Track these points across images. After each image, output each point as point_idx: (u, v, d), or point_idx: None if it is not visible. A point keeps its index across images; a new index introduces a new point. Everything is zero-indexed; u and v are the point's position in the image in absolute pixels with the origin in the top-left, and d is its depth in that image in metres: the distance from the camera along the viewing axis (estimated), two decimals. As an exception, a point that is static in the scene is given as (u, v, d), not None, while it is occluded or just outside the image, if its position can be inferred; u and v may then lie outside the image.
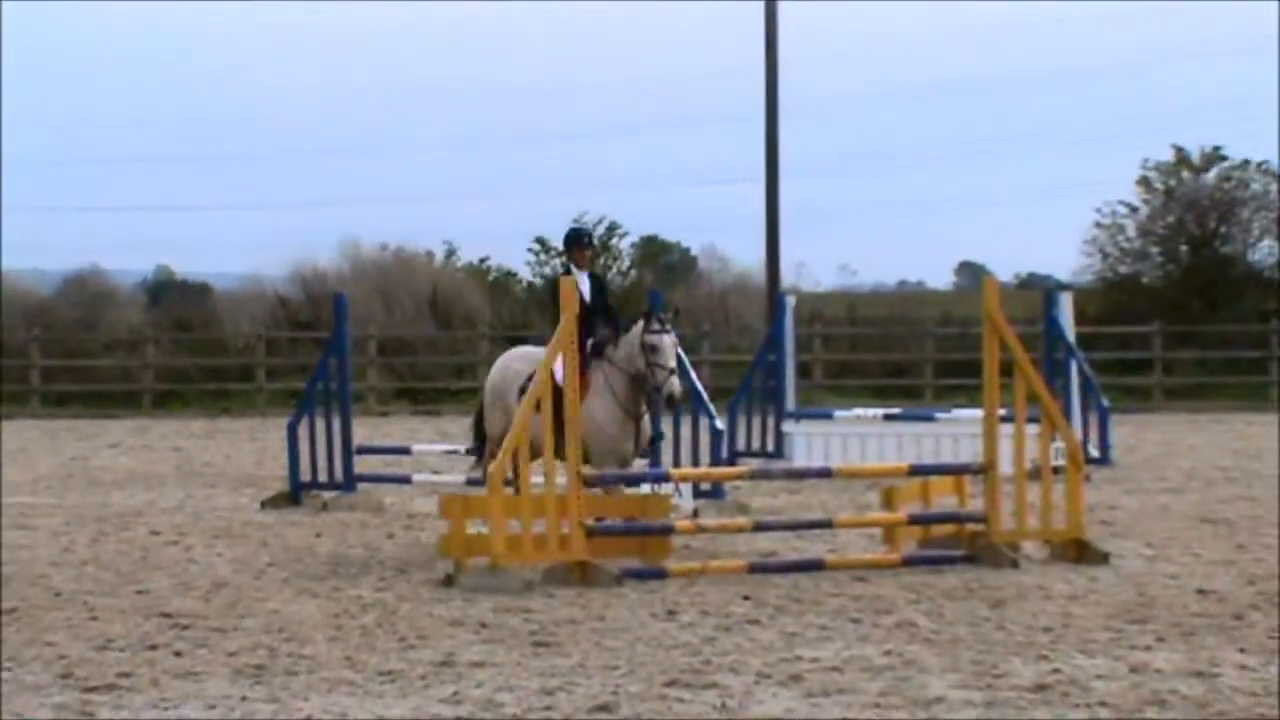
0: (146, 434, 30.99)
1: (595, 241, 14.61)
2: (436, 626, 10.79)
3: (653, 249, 44.95)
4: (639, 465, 14.59)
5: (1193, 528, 15.57)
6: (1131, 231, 41.37)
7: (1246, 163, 40.99)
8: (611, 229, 43.45)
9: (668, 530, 13.16)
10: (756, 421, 21.63)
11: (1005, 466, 13.29)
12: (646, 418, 13.96)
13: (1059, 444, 13.78)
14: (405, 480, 18.61)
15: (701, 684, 9.01)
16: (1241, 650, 9.78)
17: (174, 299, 46.70)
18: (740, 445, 21.02)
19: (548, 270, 43.14)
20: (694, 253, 45.33)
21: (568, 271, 14.31)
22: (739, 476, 16.03)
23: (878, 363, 38.90)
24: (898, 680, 9.03)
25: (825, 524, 14.46)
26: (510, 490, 12.58)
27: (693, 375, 17.07)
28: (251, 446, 27.42)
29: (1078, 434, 20.03)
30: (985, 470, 13.23)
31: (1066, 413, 20.17)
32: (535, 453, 13.03)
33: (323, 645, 10.18)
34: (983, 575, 12.57)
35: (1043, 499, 13.27)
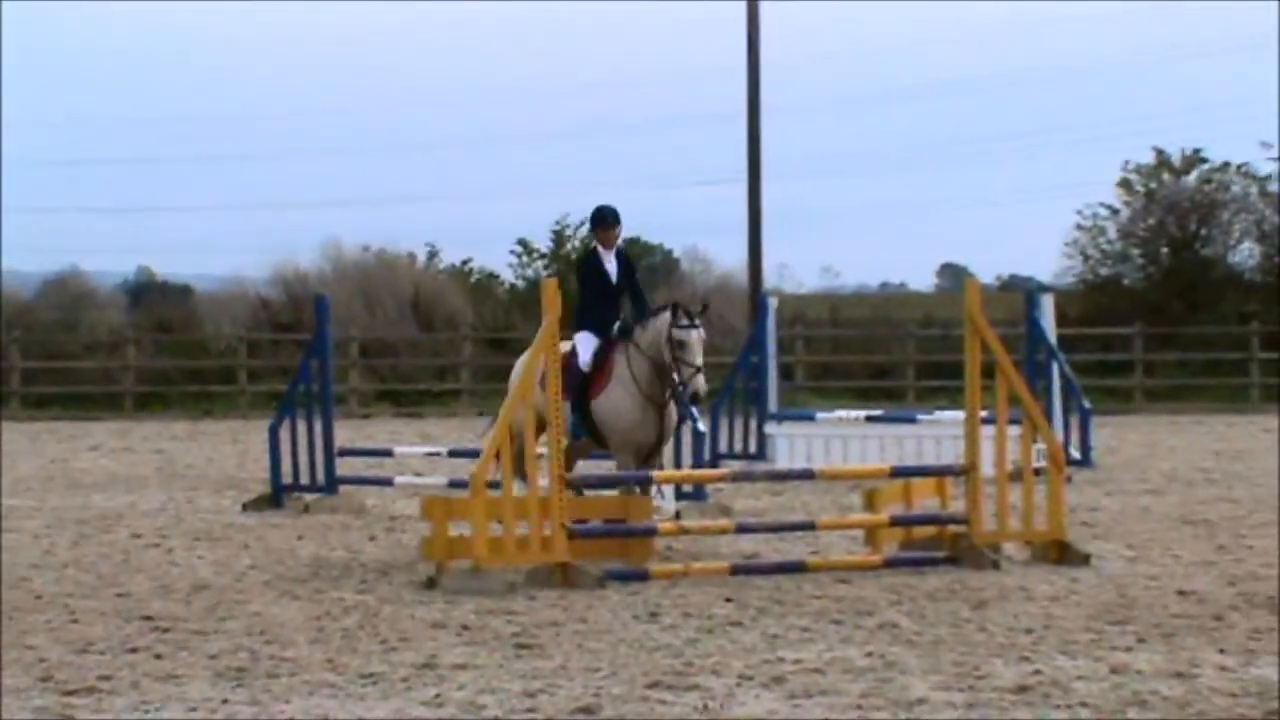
0: (128, 436, 30.94)
1: (618, 219, 14.17)
2: (418, 629, 10.78)
3: (635, 251, 44.86)
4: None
5: (1173, 529, 15.61)
6: (1112, 234, 41.48)
7: (1227, 165, 41.13)
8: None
9: (650, 532, 13.16)
10: (739, 423, 21.65)
11: (987, 468, 13.31)
12: (673, 407, 13.78)
13: (1040, 445, 13.80)
14: (387, 482, 18.59)
15: (684, 686, 9.01)
16: (1221, 651, 9.80)
17: (155, 300, 46.62)
18: (722, 447, 21.04)
19: (530, 272, 43.15)
20: (676, 254, 45.37)
21: (594, 251, 14.07)
22: (721, 478, 16.04)
23: (860, 364, 38.95)
24: (880, 682, 9.04)
25: (807, 526, 14.49)
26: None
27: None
28: (233, 449, 27.39)
29: (1059, 436, 20.07)
30: (967, 472, 13.25)
31: (1048, 414, 20.20)
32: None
33: (304, 648, 10.17)
34: (964, 577, 12.59)
35: (1024, 500, 13.30)
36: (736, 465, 19.94)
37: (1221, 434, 28.51)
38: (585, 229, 43.21)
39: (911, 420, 21.66)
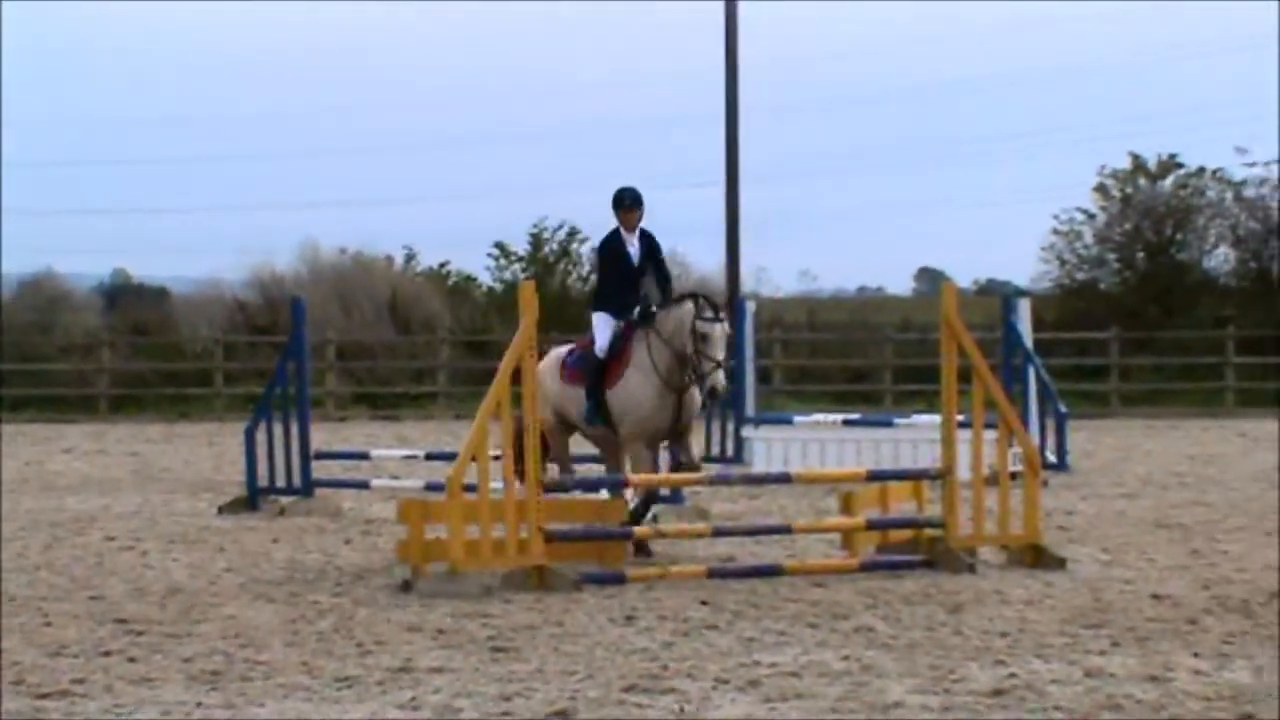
0: (102, 439, 30.86)
1: (639, 201, 13.83)
2: (394, 632, 10.77)
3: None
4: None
5: (1148, 533, 15.64)
6: (1089, 238, 41.59)
7: (1202, 170, 41.25)
8: (572, 234, 43.46)
9: (626, 535, 13.16)
10: (716, 426, 21.66)
11: (963, 472, 13.32)
12: (695, 390, 13.52)
13: (1016, 449, 13.82)
14: (363, 485, 18.58)
15: (660, 689, 9.01)
16: (1195, 655, 9.83)
17: (130, 303, 46.51)
18: (699, 450, 21.02)
19: (508, 275, 43.12)
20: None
21: (615, 233, 13.84)
22: (698, 482, 16.01)
23: (837, 368, 39.00)
24: (855, 685, 9.05)
25: (784, 529, 14.49)
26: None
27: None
28: (209, 451, 27.33)
29: (1035, 440, 20.10)
30: (943, 476, 13.26)
31: (1024, 418, 20.25)
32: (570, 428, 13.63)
33: (279, 651, 10.14)
34: (940, 580, 12.60)
35: (1000, 504, 13.32)
36: (714, 468, 19.93)
37: (1196, 438, 28.59)
38: (568, 227, 43.36)
39: (888, 424, 21.68)
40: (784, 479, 14.91)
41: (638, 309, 13.60)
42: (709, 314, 13.33)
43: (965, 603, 11.67)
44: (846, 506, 13.68)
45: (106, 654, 10.09)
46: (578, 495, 14.15)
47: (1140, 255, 41.15)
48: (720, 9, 36.60)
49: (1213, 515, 16.99)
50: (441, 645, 10.33)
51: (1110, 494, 19.32)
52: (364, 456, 20.40)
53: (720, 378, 13.29)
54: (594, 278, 14.33)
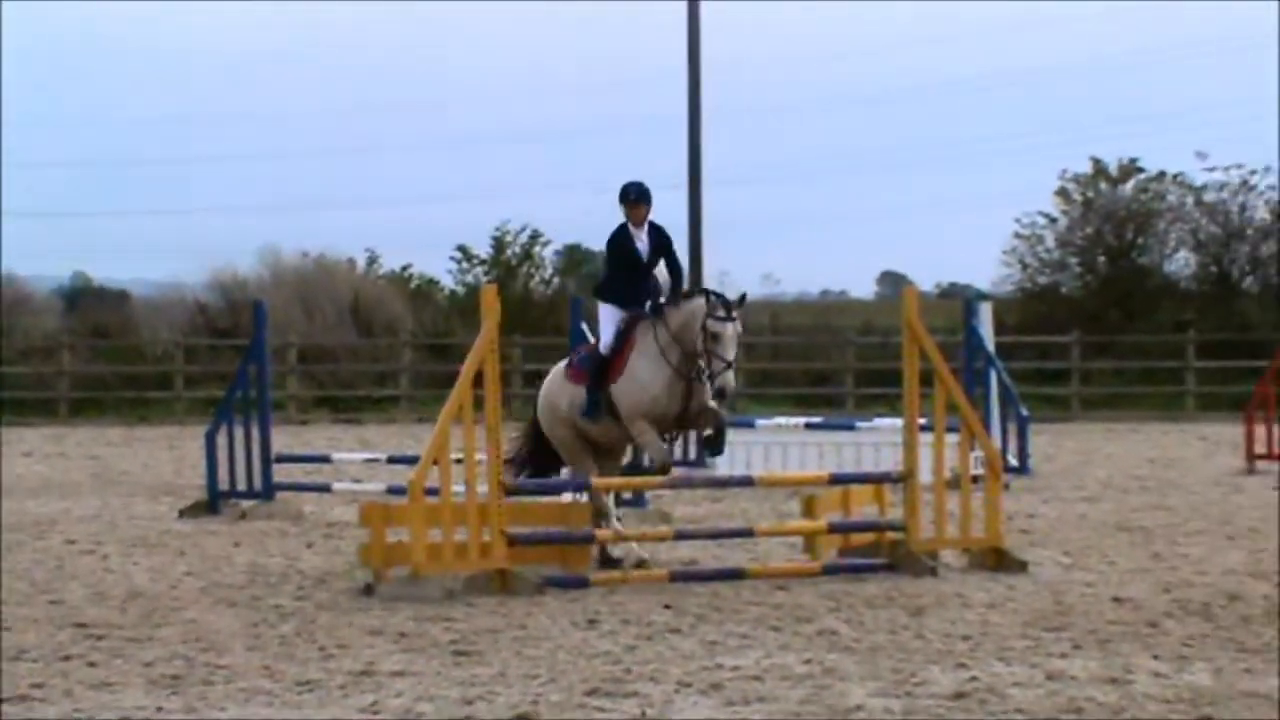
0: (62, 442, 30.73)
1: (645, 195, 13.47)
2: (356, 636, 10.74)
3: (576, 257, 44.92)
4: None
5: (1109, 536, 15.69)
6: (1050, 242, 41.72)
7: (1163, 175, 41.41)
8: (534, 237, 43.43)
9: (589, 539, 13.15)
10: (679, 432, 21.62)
11: (925, 475, 13.36)
12: (706, 380, 13.02)
13: (978, 453, 13.86)
14: (325, 489, 18.52)
15: (622, 693, 9.00)
16: (1155, 657, 9.86)
17: (91, 305, 46.34)
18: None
19: (470, 279, 43.08)
20: (616, 261, 45.28)
21: (623, 228, 13.54)
22: (661, 485, 16.02)
23: (800, 371, 39.05)
24: (817, 688, 9.06)
25: (746, 533, 14.51)
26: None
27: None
28: (169, 455, 27.24)
29: (997, 443, 20.15)
30: (905, 479, 13.28)
31: (986, 422, 20.29)
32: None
33: (240, 655, 10.11)
34: (902, 583, 12.62)
35: (962, 507, 13.35)
36: (676, 472, 19.92)
37: (1157, 442, 28.70)
38: (524, 232, 43.33)
39: (850, 427, 21.71)
40: (746, 482, 14.88)
41: (648, 303, 13.28)
42: (721, 312, 12.94)
43: (927, 606, 11.70)
44: (808, 510, 13.70)
45: (66, 658, 10.05)
46: (541, 499, 14.14)
47: (1101, 259, 41.30)
48: (683, 11, 36.62)
49: (1173, 519, 17.06)
50: (403, 649, 10.31)
51: (1071, 497, 19.38)
52: (325, 460, 20.34)
53: (730, 378, 12.90)
54: (603, 271, 13.94)
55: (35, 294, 45.65)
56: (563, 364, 14.01)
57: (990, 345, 22.36)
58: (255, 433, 17.95)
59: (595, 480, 13.57)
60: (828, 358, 39.02)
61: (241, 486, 17.99)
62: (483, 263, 43.35)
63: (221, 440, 18.09)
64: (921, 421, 13.44)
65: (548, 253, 43.88)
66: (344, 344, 40.07)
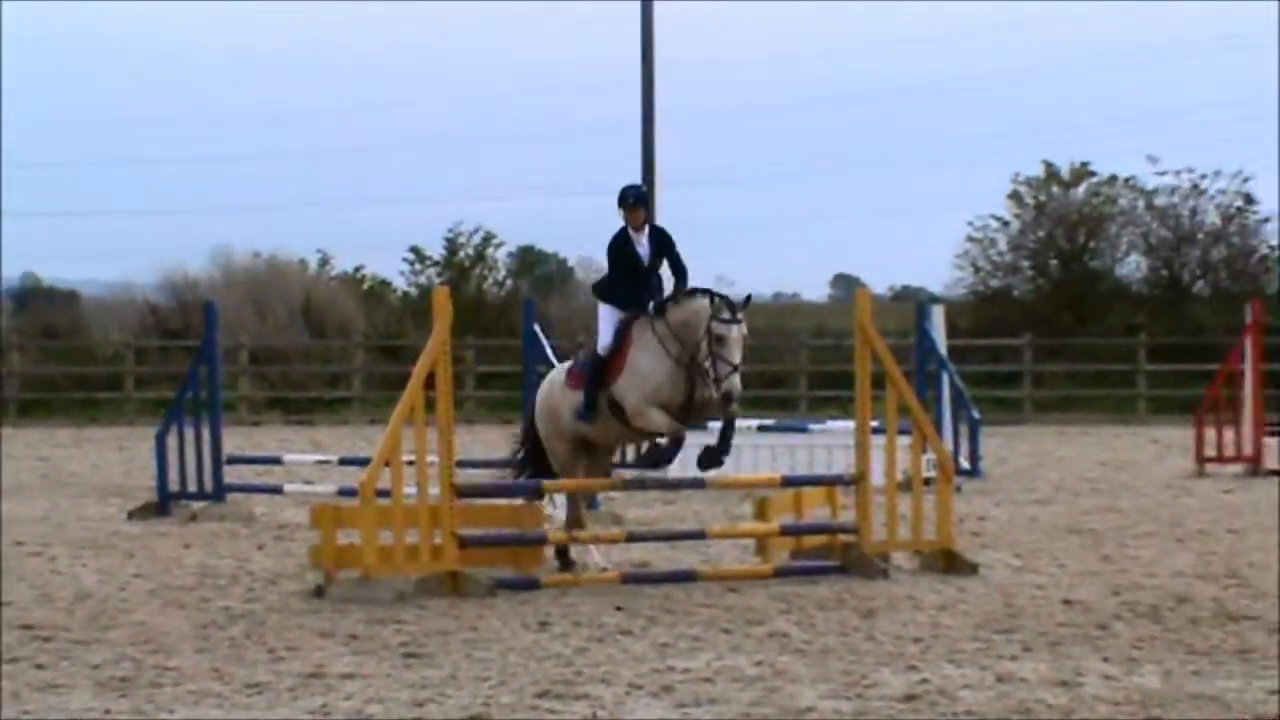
0: (11, 443, 30.52)
1: (643, 199, 13.21)
2: (306, 638, 10.70)
3: (529, 259, 44.90)
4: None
5: (1060, 538, 15.74)
6: (1003, 245, 41.83)
7: (1114, 178, 41.58)
8: (487, 239, 43.38)
9: (540, 541, 13.12)
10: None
11: (877, 478, 13.37)
12: (711, 386, 12.62)
13: (930, 455, 13.89)
14: (276, 490, 18.45)
15: (573, 695, 8.99)
16: (1105, 660, 9.90)
17: (40, 306, 46.06)
18: (614, 456, 20.98)
19: (423, 280, 43.00)
20: (571, 263, 45.36)
21: (623, 231, 13.15)
22: (612, 487, 16.00)
23: (753, 373, 38.91)
24: (768, 690, 9.06)
25: (698, 535, 14.50)
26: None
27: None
28: (119, 456, 27.10)
29: (949, 446, 20.21)
30: (857, 481, 13.30)
31: (938, 425, 20.34)
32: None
33: (189, 657, 10.06)
34: (854, 586, 12.64)
35: (913, 510, 13.37)
36: (628, 474, 19.91)
37: (1108, 444, 28.81)
38: (477, 235, 43.26)
39: (803, 430, 21.73)
40: (698, 484, 14.87)
41: (651, 305, 12.96)
42: (726, 314, 12.57)
43: (878, 608, 11.72)
44: (761, 512, 13.70)
45: (13, 661, 9.98)
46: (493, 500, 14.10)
47: (1053, 263, 41.46)
48: (637, 14, 36.62)
49: (1124, 521, 17.13)
50: (354, 651, 10.27)
51: (1023, 500, 19.44)
52: (277, 461, 20.27)
53: (736, 382, 12.53)
54: (604, 274, 13.56)
55: (-17, 294, 45.38)
56: (562, 369, 13.74)
57: (942, 348, 22.41)
58: (206, 434, 17.87)
59: (547, 483, 13.51)
60: (781, 360, 39.06)
61: (192, 488, 17.91)
62: (436, 264, 43.28)
63: (172, 441, 18.01)
64: (874, 424, 13.46)
65: (501, 254, 43.88)
66: (296, 345, 39.94)
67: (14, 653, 10.20)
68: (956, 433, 22.02)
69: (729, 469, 20.56)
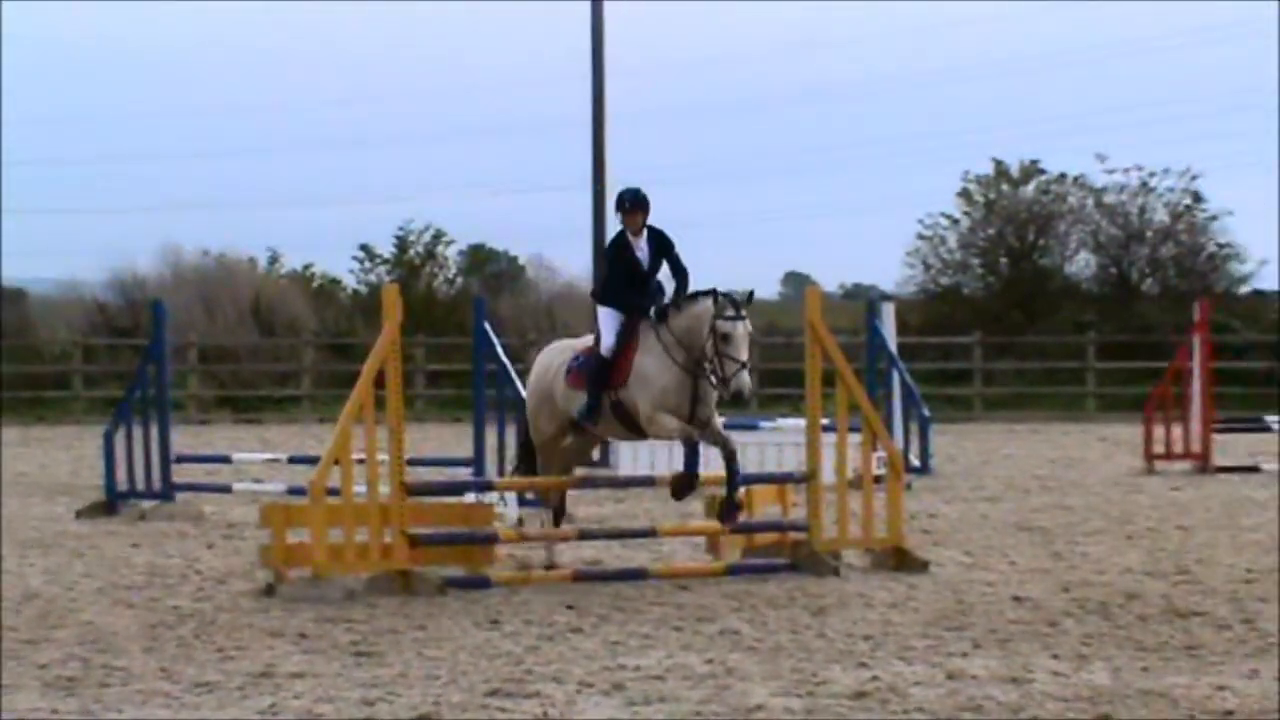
0: (-41, 442, 30.31)
1: (640, 203, 12.90)
2: (255, 637, 10.65)
3: (480, 257, 44.82)
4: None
5: (1010, 535, 15.80)
6: (953, 243, 41.98)
7: (1063, 176, 41.76)
8: (438, 236, 43.30)
9: (491, 539, 13.10)
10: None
11: (828, 475, 13.39)
12: (709, 388, 12.57)
13: (880, 453, 13.91)
14: (226, 489, 18.38)
15: (523, 693, 8.97)
16: (1055, 656, 9.93)
17: (-13, 304, 45.72)
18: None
19: (373, 278, 42.90)
20: (521, 261, 45.29)
21: (621, 235, 12.97)
22: (563, 485, 15.99)
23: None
24: (719, 688, 9.06)
25: (649, 533, 14.50)
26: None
27: (518, 384, 17.02)
28: (67, 455, 26.93)
29: (899, 443, 20.27)
30: (808, 479, 13.31)
31: (888, 422, 20.40)
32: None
33: (138, 657, 10.00)
34: (805, 583, 12.65)
35: (864, 508, 13.40)
36: (580, 472, 19.89)
37: (1058, 442, 28.93)
38: (429, 234, 43.18)
39: (754, 427, 21.73)
40: (649, 482, 14.88)
41: (653, 310, 12.81)
42: (730, 311, 12.49)
43: (829, 605, 11.73)
44: (712, 510, 13.70)
45: (-41, 661, 9.90)
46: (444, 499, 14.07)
47: (1003, 260, 41.62)
48: (587, 12, 36.58)
49: (1073, 518, 17.19)
50: (304, 650, 10.23)
51: (973, 497, 19.50)
52: (226, 460, 20.18)
53: (745, 379, 12.41)
54: (604, 277, 13.31)
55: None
56: (558, 347, 13.53)
57: (893, 346, 22.48)
58: (155, 433, 17.78)
59: (498, 480, 13.52)
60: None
61: (141, 487, 17.82)
62: (386, 262, 43.19)
63: (120, 440, 17.91)
64: (824, 422, 13.48)
65: (451, 252, 43.81)
66: (245, 344, 39.79)
67: (-40, 653, 10.12)
68: (907, 430, 22.08)
69: (679, 465, 20.61)
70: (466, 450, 17.99)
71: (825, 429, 13.49)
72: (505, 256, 45.56)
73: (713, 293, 12.68)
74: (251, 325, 40.44)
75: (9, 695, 9.00)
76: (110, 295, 41.48)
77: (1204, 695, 8.87)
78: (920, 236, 41.88)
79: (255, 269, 43.52)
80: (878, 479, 13.74)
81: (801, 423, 14.69)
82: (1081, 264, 41.91)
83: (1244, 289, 41.22)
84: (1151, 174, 40.97)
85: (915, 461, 21.69)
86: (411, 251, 43.10)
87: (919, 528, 15.94)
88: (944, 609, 11.61)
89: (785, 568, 13.14)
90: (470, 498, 14.70)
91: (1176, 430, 22.76)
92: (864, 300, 29.73)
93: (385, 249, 43.28)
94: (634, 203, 12.97)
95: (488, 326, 17.04)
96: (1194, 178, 40.97)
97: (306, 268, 44.56)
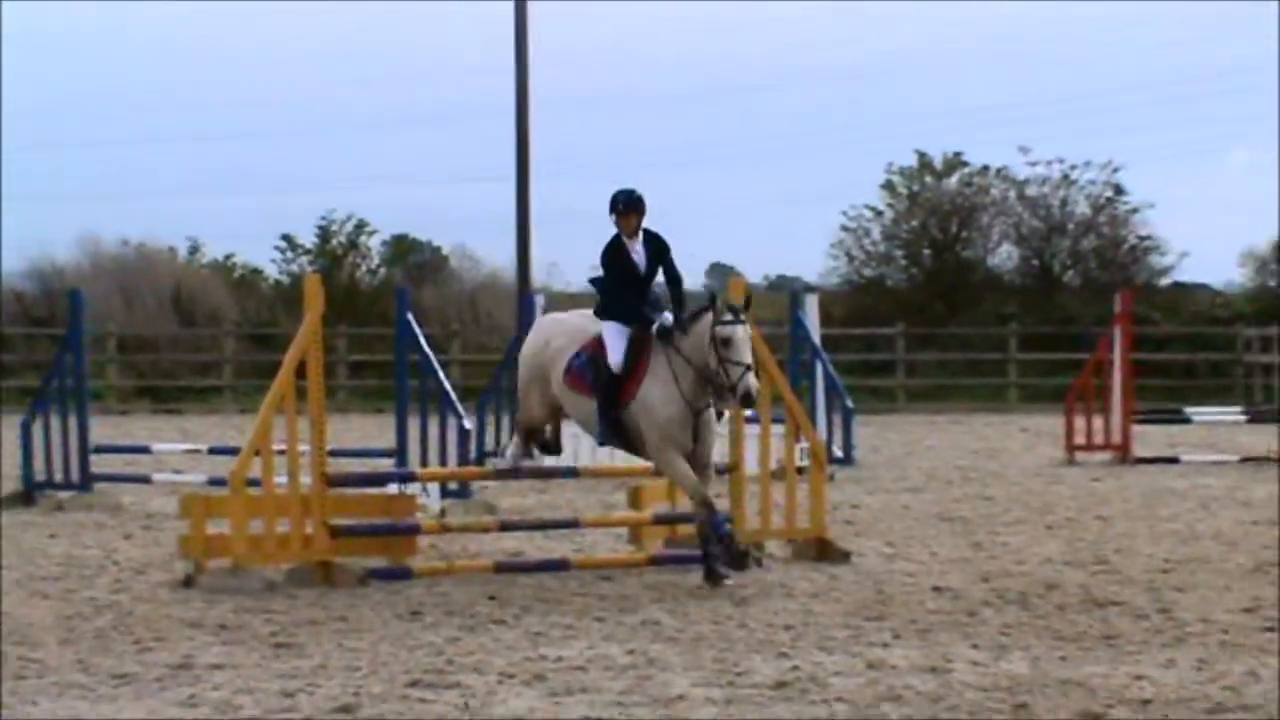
0: (-126, 432, 29.95)
1: (635, 204, 12.53)
2: (174, 628, 10.57)
3: (403, 247, 44.64)
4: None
5: (931, 526, 15.87)
6: (876, 235, 42.11)
7: (986, 169, 41.96)
8: (360, 226, 43.12)
9: (413, 530, 13.05)
10: (505, 421, 21.58)
11: (750, 466, 13.40)
12: (712, 413, 12.38)
13: (804, 444, 13.94)
14: (145, 480, 18.26)
15: (444, 684, 8.95)
16: (974, 646, 9.98)
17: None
18: (489, 445, 20.95)
19: (294, 268, 42.68)
20: (445, 251, 45.16)
21: (617, 239, 12.56)
22: (486, 476, 15.97)
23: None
24: (640, 678, 9.06)
25: (572, 524, 14.47)
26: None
27: (441, 375, 16.98)
28: (-15, 445, 26.64)
29: (822, 434, 20.30)
30: (731, 470, 13.32)
31: (812, 414, 20.44)
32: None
33: (54, 648, 9.91)
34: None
35: (787, 498, 13.43)
36: (500, 463, 19.84)
37: (980, 433, 29.09)
38: (369, 232, 43.00)
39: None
40: (571, 473, 14.86)
41: (656, 325, 12.40)
42: (728, 316, 12.21)
43: (751, 596, 11.75)
44: (634, 501, 13.71)
45: (-128, 654, 9.78)
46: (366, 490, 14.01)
47: (926, 252, 41.79)
48: (510, 3, 36.48)
49: (994, 509, 17.29)
50: (223, 641, 10.17)
51: (895, 488, 19.57)
52: (145, 451, 20.06)
53: (751, 380, 12.10)
54: (602, 285, 12.83)
55: None
56: (550, 320, 13.27)
57: (816, 337, 22.52)
58: (73, 423, 17.65)
59: (420, 471, 13.48)
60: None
61: (59, 478, 17.69)
62: (308, 252, 42.98)
63: (38, 431, 17.76)
64: (748, 413, 13.49)
65: (374, 242, 43.63)
66: (165, 334, 39.52)
67: (-127, 645, 10.00)
68: (830, 421, 22.13)
69: (602, 456, 20.64)
70: (389, 441, 17.92)
71: (748, 420, 13.50)
72: (428, 247, 45.41)
73: (712, 301, 12.38)
74: (172, 315, 40.16)
75: (-78, 688, 8.90)
76: (27, 284, 41.10)
77: (1121, 684, 8.93)
78: (844, 228, 42.00)
79: (175, 259, 43.23)
80: (801, 470, 13.77)
81: (724, 414, 14.67)
82: (1004, 256, 42.15)
83: (1164, 281, 41.54)
84: (1073, 166, 41.27)
85: (838, 452, 21.75)
86: (334, 242, 42.91)
87: (841, 518, 16.00)
88: (865, 599, 11.65)
89: (707, 558, 13.11)
90: (392, 489, 14.63)
91: (1097, 421, 22.92)
92: (788, 292, 29.79)
93: (307, 239, 43.10)
94: (628, 204, 12.57)
95: (410, 317, 16.96)
96: (1115, 170, 41.30)
97: (228, 257, 44.31)
